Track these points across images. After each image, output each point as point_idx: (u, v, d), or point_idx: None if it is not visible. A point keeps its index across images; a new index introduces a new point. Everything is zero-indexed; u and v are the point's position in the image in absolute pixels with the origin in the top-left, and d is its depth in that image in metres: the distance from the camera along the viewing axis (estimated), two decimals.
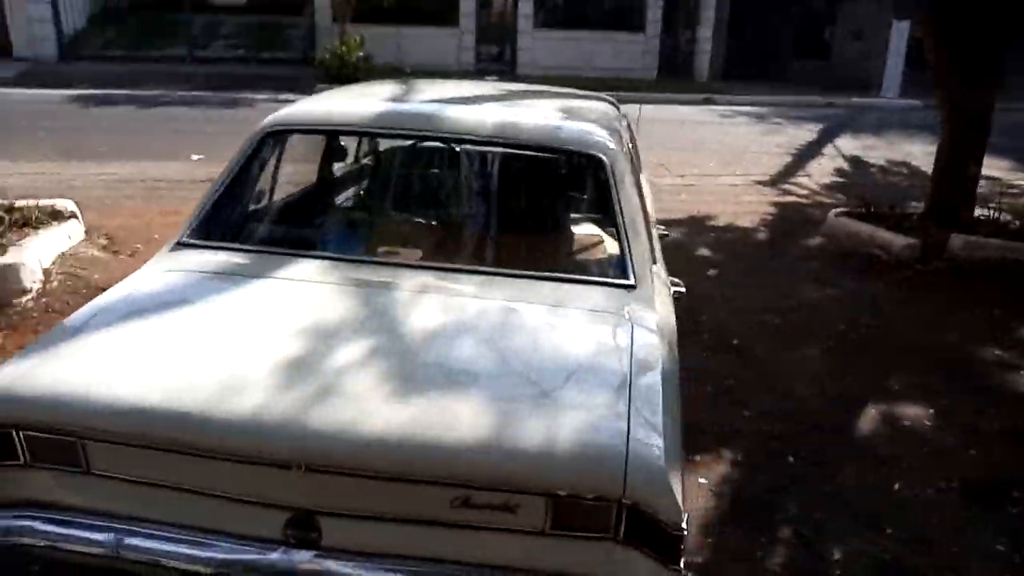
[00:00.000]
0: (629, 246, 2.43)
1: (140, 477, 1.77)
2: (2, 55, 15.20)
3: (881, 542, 2.90)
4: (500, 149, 2.74)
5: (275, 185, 2.73)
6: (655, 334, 2.16)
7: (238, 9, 18.02)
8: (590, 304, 2.24)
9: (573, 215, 2.66)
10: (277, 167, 2.72)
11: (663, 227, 3.62)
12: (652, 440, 1.72)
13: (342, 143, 2.91)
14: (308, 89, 14.13)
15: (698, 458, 3.38)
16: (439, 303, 2.19)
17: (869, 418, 3.82)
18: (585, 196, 2.66)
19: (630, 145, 3.45)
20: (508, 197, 2.79)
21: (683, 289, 2.79)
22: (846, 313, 5.14)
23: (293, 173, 2.80)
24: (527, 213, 2.82)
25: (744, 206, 8.03)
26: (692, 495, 3.10)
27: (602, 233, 2.59)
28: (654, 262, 2.66)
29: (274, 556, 1.70)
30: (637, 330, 2.14)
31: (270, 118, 2.72)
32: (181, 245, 2.43)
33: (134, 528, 1.75)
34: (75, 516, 1.78)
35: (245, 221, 2.54)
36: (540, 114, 2.90)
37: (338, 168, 3.03)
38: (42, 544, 1.75)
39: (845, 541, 2.89)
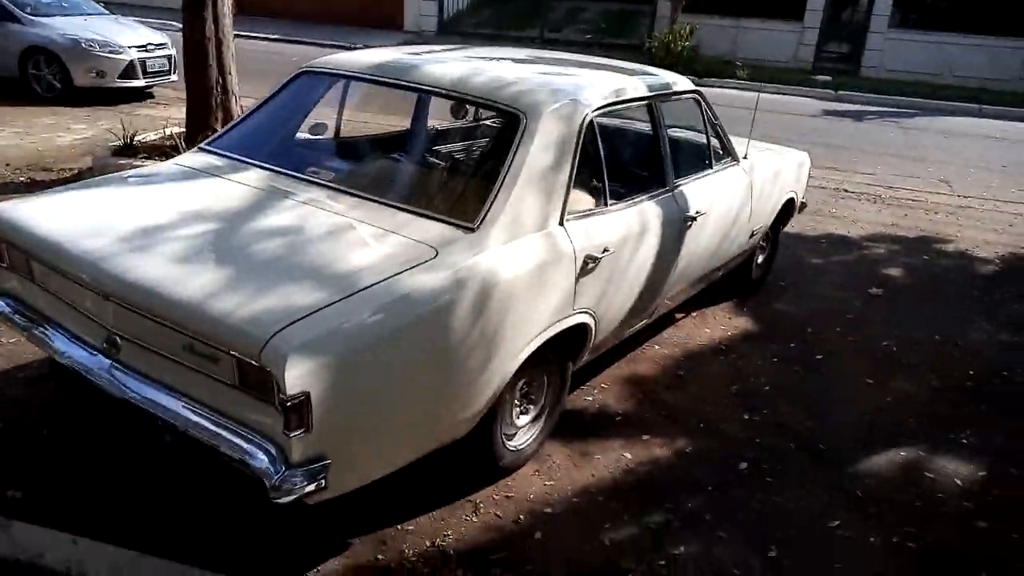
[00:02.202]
0: (495, 195, 2.64)
1: (53, 290, 2.57)
2: (395, 28, 18.33)
3: (751, 560, 2.70)
4: (446, 99, 3.06)
5: (288, 115, 3.39)
6: (447, 270, 2.36)
7: None
8: (419, 234, 2.51)
9: (482, 162, 2.87)
10: (297, 101, 3.40)
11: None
12: (316, 327, 2.02)
13: (354, 89, 3.44)
14: None
15: (645, 437, 3.36)
16: (304, 211, 2.66)
17: (885, 460, 3.35)
18: (502, 147, 2.86)
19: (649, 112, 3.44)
20: (433, 140, 3.08)
21: None
22: (999, 363, 4.34)
23: (306, 108, 3.43)
24: (439, 155, 3.09)
25: (1005, 236, 6.82)
26: (602, 464, 3.15)
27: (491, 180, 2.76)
28: (556, 222, 2.79)
29: (91, 358, 2.41)
30: (431, 262, 2.39)
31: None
32: (200, 148, 3.24)
33: (42, 323, 2.59)
34: (24, 309, 2.67)
35: (249, 138, 3.23)
36: (508, 72, 3.14)
37: (337, 108, 3.57)
38: (2, 317, 2.68)
39: (704, 549, 2.73)
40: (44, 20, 9.30)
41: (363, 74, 3.25)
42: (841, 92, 14.39)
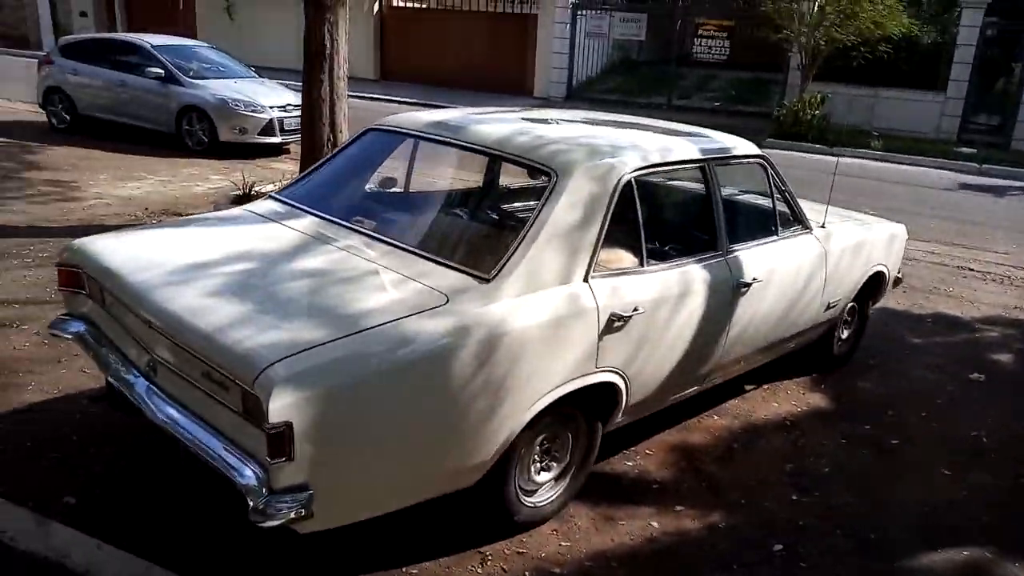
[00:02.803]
0: (515, 248, 2.71)
1: (117, 316, 2.86)
2: (525, 94, 18.99)
3: None
4: (489, 157, 3.19)
5: (352, 168, 3.62)
6: (453, 317, 2.45)
7: (730, 65, 19.08)
8: (435, 282, 2.61)
9: (511, 217, 2.94)
10: (362, 155, 3.62)
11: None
12: (308, 362, 2.16)
13: (421, 147, 3.62)
14: (756, 141, 14.53)
15: (679, 507, 3.25)
16: (338, 256, 2.83)
17: (943, 557, 3.07)
18: (532, 203, 2.94)
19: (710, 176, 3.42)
20: (479, 197, 3.17)
21: None
22: None
23: (369, 161, 3.65)
24: (477, 210, 3.18)
25: None
26: (625, 531, 3.07)
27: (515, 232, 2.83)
28: (581, 278, 2.81)
29: (133, 379, 2.65)
30: (440, 308, 2.48)
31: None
32: (269, 196, 3.52)
33: (107, 345, 2.87)
34: (97, 332, 2.97)
35: (311, 188, 3.48)
36: (553, 133, 3.23)
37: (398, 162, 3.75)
38: (76, 337, 2.98)
39: None
40: (200, 82, 10.36)
41: (419, 132, 3.45)
42: (986, 166, 13.50)
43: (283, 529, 2.24)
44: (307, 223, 3.16)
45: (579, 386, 2.85)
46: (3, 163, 8.56)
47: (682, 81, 19.34)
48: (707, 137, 3.79)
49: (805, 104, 15.06)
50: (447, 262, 2.76)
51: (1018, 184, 12.58)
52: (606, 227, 2.94)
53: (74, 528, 2.71)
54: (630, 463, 3.56)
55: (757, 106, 17.89)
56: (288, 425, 2.08)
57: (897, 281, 5.12)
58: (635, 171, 3.10)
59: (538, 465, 3.00)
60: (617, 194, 3.00)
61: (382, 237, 2.96)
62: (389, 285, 2.63)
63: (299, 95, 10.79)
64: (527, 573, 2.78)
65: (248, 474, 2.16)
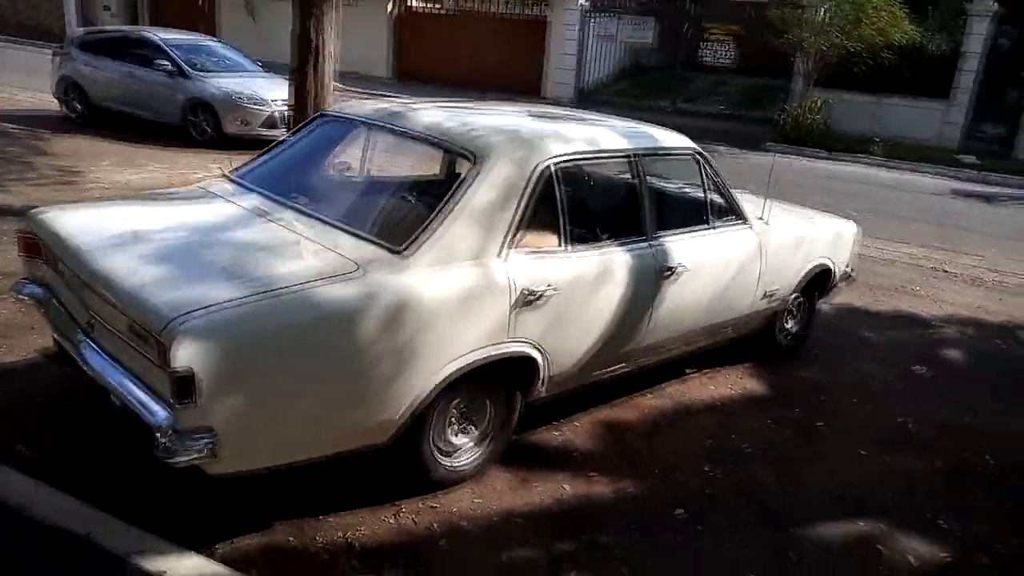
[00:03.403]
0: (427, 224, 2.93)
1: (65, 279, 3.10)
2: (535, 94, 19.23)
3: None
4: (421, 142, 3.42)
5: (302, 151, 3.86)
6: (359, 284, 2.67)
7: (741, 71, 19.19)
8: (351, 253, 2.83)
9: (433, 196, 3.16)
10: (312, 140, 3.86)
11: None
12: (212, 318, 2.37)
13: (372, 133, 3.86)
14: (757, 146, 14.69)
15: (593, 474, 3.44)
16: (272, 228, 3.06)
17: (839, 528, 3.24)
18: (451, 184, 3.16)
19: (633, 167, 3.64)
20: (414, 180, 3.43)
21: None
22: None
23: (319, 145, 3.89)
24: (406, 191, 3.43)
25: None
26: (537, 492, 3.28)
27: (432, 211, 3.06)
28: (495, 255, 3.02)
29: (74, 336, 2.90)
30: (350, 275, 2.69)
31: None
32: (223, 175, 3.77)
33: (59, 306, 3.12)
34: (52, 295, 3.22)
35: (264, 170, 3.72)
36: (482, 121, 3.46)
37: (344, 146, 3.99)
38: (32, 298, 3.24)
39: None
40: (206, 76, 10.68)
41: (364, 118, 3.69)
42: (985, 174, 13.53)
43: (203, 475, 2.49)
44: (249, 200, 3.39)
45: (491, 355, 3.06)
46: (10, 148, 8.92)
47: (691, 86, 19.53)
48: (641, 131, 3.98)
49: (806, 109, 15.18)
50: (365, 235, 2.98)
51: (1009, 191, 12.60)
52: (522, 210, 3.14)
53: (19, 472, 2.96)
54: (556, 433, 3.76)
55: (761, 111, 17.97)
56: (190, 371, 2.31)
57: (848, 277, 5.26)
58: (555, 158, 3.30)
59: (455, 428, 3.21)
60: (534, 179, 3.20)
61: (312, 213, 3.20)
62: (308, 254, 2.86)
63: None
64: (435, 525, 3.00)
65: (157, 412, 2.40)
